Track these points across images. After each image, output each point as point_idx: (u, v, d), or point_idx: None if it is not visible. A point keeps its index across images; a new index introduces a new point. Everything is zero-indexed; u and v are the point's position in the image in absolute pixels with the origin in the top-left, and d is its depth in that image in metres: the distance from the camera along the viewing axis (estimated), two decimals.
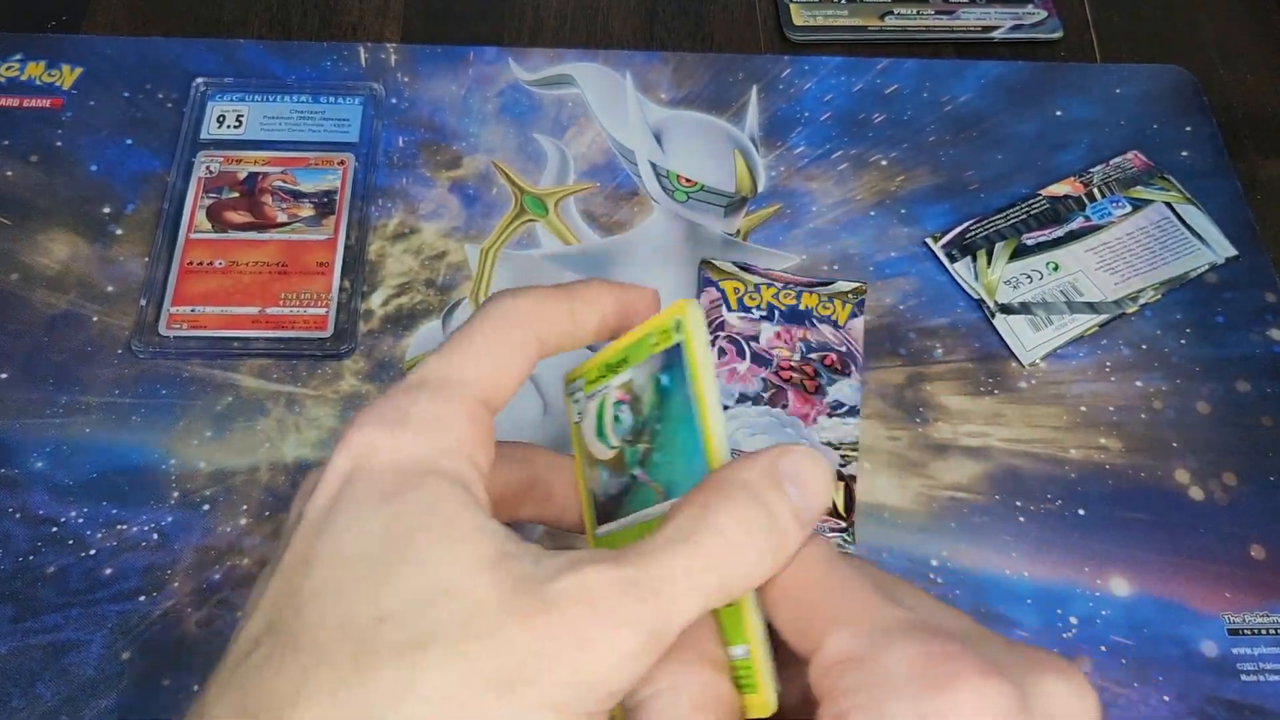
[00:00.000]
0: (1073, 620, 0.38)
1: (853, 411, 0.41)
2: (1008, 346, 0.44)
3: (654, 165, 0.48)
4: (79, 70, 0.48)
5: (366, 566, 0.18)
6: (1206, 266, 0.46)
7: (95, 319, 0.42)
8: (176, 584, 0.37)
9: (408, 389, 0.21)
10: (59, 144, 0.46)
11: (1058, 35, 0.53)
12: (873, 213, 0.47)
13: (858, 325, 0.43)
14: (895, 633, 0.18)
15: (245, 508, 0.38)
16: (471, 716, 0.17)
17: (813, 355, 0.42)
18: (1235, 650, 0.38)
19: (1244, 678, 0.37)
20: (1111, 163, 0.49)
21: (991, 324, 0.44)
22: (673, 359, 0.22)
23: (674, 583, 0.18)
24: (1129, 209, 0.47)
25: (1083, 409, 0.42)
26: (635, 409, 0.23)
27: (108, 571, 0.37)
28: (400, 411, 0.21)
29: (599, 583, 0.18)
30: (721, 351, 0.42)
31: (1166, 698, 0.37)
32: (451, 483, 0.20)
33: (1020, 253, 0.46)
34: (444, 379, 0.22)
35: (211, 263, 0.43)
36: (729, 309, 0.43)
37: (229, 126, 0.47)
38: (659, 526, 0.19)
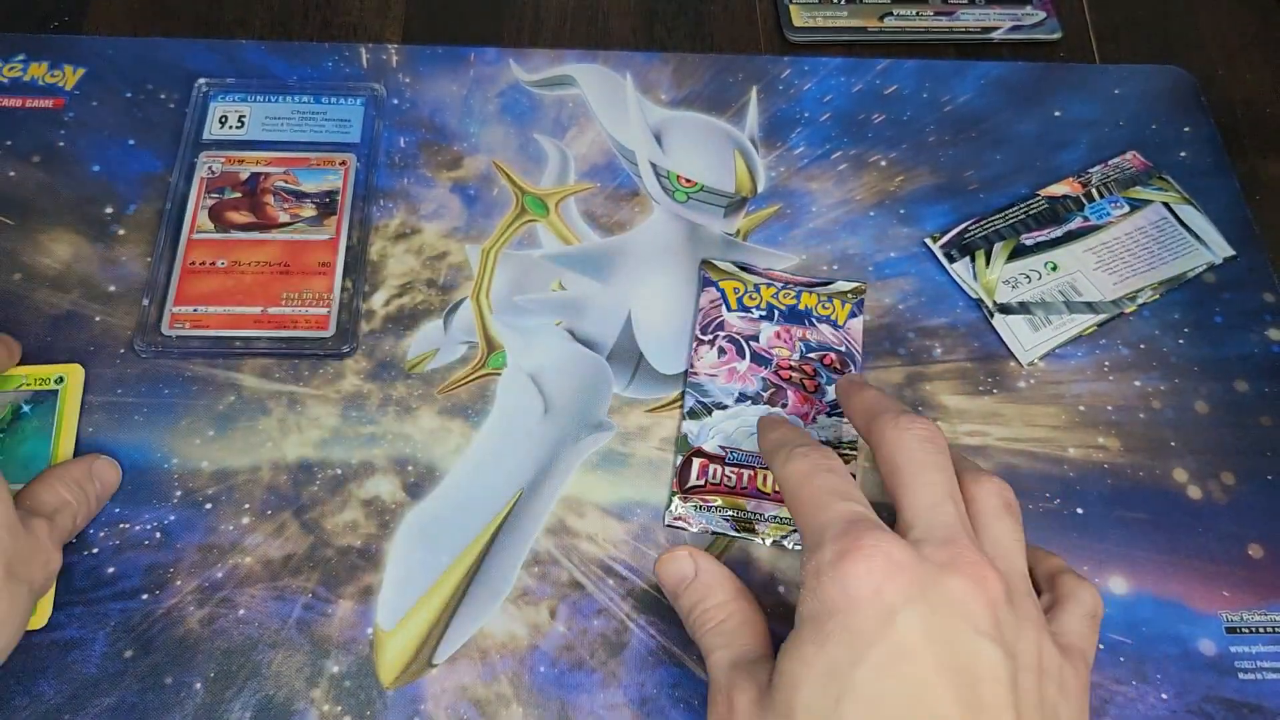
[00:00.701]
0: None
1: None
2: (1006, 346, 0.44)
3: (654, 165, 0.48)
4: (81, 71, 0.48)
5: None
6: (1205, 266, 0.46)
7: (97, 319, 0.42)
8: (179, 583, 0.37)
9: None
10: (61, 144, 0.46)
11: (1057, 36, 0.54)
12: (872, 213, 0.47)
13: (857, 325, 0.44)
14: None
15: (247, 507, 0.39)
16: None
17: (812, 355, 0.43)
18: (1233, 649, 0.38)
19: (1242, 676, 0.37)
20: (1110, 163, 0.49)
21: (990, 324, 0.44)
22: (43, 399, 0.38)
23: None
24: (1127, 209, 0.47)
25: (1081, 408, 0.43)
26: None
27: (110, 570, 0.37)
28: None
29: None
30: (721, 351, 0.42)
31: (1164, 696, 0.37)
32: None
33: (1019, 253, 0.46)
34: None
35: (213, 263, 0.43)
36: (728, 309, 0.43)
37: (231, 127, 0.47)
38: None
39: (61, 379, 0.39)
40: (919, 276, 0.46)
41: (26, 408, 0.38)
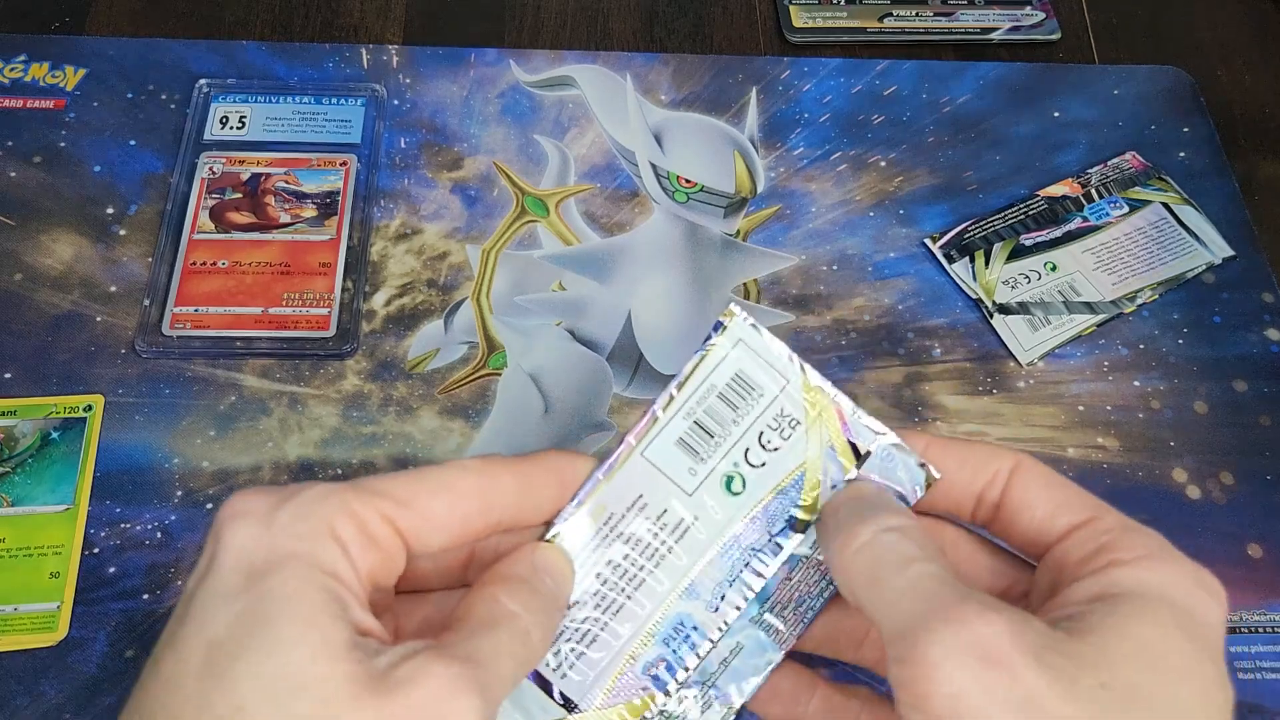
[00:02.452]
0: None
1: None
2: (1006, 346, 0.44)
3: (654, 166, 0.48)
4: (82, 71, 0.48)
5: (223, 653, 0.20)
6: (1204, 267, 0.46)
7: (99, 319, 0.42)
8: (180, 582, 0.37)
9: (308, 484, 0.23)
10: (62, 145, 0.46)
11: (1056, 37, 0.54)
12: (871, 213, 0.47)
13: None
14: (1141, 525, 0.24)
15: None
16: None
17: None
18: (1233, 649, 0.38)
19: (1241, 676, 0.37)
20: (1109, 163, 0.49)
21: (990, 324, 0.44)
22: (71, 425, 0.39)
23: (496, 658, 0.22)
24: (1127, 209, 0.47)
25: (1080, 408, 0.43)
26: (9, 446, 0.39)
27: (111, 570, 0.37)
28: (280, 499, 0.22)
29: (437, 668, 0.21)
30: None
31: None
32: (310, 573, 0.21)
33: (1018, 253, 0.46)
34: (361, 486, 0.23)
35: (215, 263, 0.43)
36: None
37: (232, 127, 0.47)
38: (465, 608, 0.24)
39: (90, 407, 0.40)
40: (918, 277, 0.46)
41: (55, 434, 0.39)
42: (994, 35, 0.53)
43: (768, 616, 0.27)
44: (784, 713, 0.29)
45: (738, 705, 0.27)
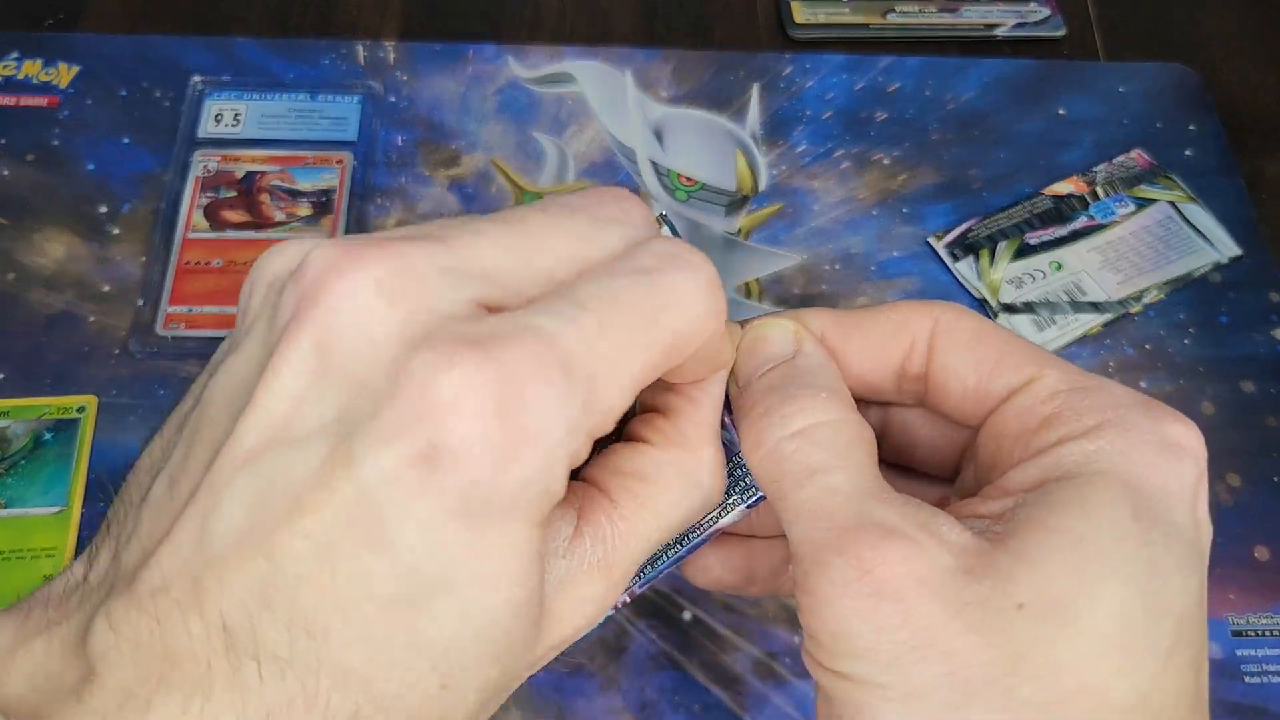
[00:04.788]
0: None
1: None
2: None
3: (654, 164, 0.47)
4: (76, 69, 0.48)
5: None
6: (1210, 266, 0.46)
7: (92, 319, 0.42)
8: None
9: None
10: (56, 143, 0.46)
11: (1061, 33, 0.53)
12: (875, 212, 0.47)
13: None
14: (1094, 376, 0.20)
15: None
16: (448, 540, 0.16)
17: None
18: (1239, 652, 0.38)
19: (1248, 680, 0.37)
20: (1115, 161, 0.48)
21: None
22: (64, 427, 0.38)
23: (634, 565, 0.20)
24: (1133, 208, 0.47)
25: None
26: (1, 447, 0.38)
27: None
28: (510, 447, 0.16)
29: (591, 605, 0.19)
30: None
31: None
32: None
33: (1023, 252, 0.46)
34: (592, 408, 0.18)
35: (209, 262, 0.43)
36: None
37: (226, 125, 0.47)
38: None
39: (83, 408, 0.39)
40: (922, 276, 0.45)
41: (48, 435, 0.39)
42: (998, 31, 0.53)
43: None
44: (763, 589, 0.26)
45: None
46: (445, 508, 0.15)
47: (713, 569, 0.25)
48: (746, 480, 0.22)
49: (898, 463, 0.25)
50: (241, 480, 0.16)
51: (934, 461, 0.24)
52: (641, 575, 0.23)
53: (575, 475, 0.19)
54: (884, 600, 0.18)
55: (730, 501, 0.23)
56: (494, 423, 0.15)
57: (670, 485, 0.20)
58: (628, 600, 0.23)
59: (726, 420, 0.23)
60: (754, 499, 0.22)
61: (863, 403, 0.23)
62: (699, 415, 0.21)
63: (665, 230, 0.23)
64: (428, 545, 0.15)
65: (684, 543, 0.23)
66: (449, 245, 0.17)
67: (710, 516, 0.23)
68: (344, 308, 0.16)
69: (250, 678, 0.15)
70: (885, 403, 0.24)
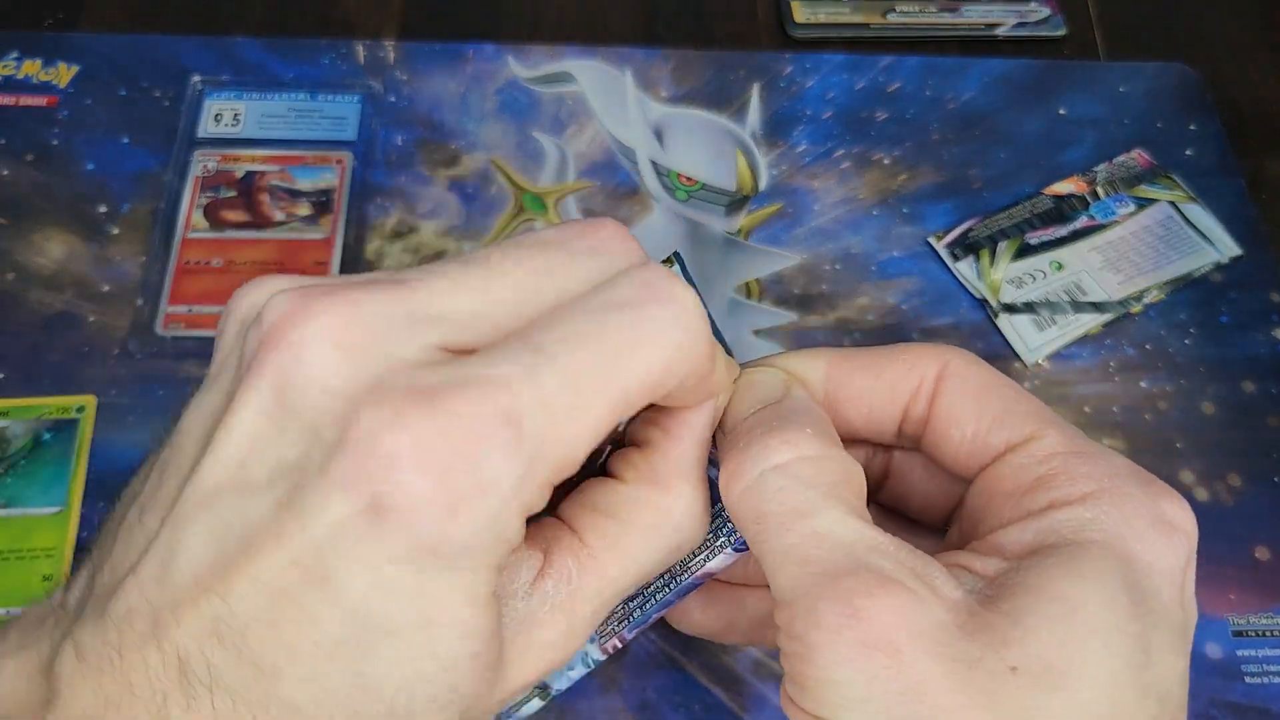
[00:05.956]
0: None
1: None
2: (1011, 347, 0.43)
3: (654, 163, 0.47)
4: (75, 68, 0.48)
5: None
6: (1211, 266, 0.46)
7: (91, 319, 0.42)
8: None
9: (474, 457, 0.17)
10: (55, 143, 0.46)
11: (1062, 33, 0.53)
12: (875, 211, 0.47)
13: None
14: (1093, 442, 0.20)
15: None
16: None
17: None
18: (1239, 652, 0.37)
19: (1248, 680, 0.37)
20: (1116, 161, 0.48)
21: (995, 324, 0.44)
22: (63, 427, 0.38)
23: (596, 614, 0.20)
24: (1133, 208, 0.47)
25: (1087, 409, 0.42)
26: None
27: None
28: (455, 502, 0.16)
29: (551, 653, 0.19)
30: None
31: None
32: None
33: (1024, 252, 0.45)
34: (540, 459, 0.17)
35: (208, 262, 0.43)
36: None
37: (226, 124, 0.47)
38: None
39: (82, 408, 0.39)
40: (922, 276, 0.45)
41: (47, 435, 0.39)
42: (999, 31, 0.53)
43: None
44: (746, 638, 0.25)
45: (551, 692, 0.23)
46: (391, 556, 0.15)
47: (693, 613, 0.25)
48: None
49: (894, 507, 0.25)
50: (202, 520, 0.16)
51: (928, 511, 0.24)
52: (630, 620, 0.22)
53: (551, 511, 0.19)
54: (877, 651, 0.17)
55: (719, 543, 0.21)
56: (440, 477, 0.15)
57: (642, 524, 0.20)
58: (619, 646, 0.22)
59: (715, 455, 0.22)
60: (743, 541, 0.21)
61: (864, 444, 0.23)
62: (676, 450, 0.20)
63: (675, 269, 0.22)
64: (374, 592, 0.16)
65: (671, 586, 0.22)
66: (408, 289, 0.17)
67: (698, 559, 0.22)
68: (300, 357, 0.16)
69: (204, 708, 0.16)
70: (886, 446, 0.24)
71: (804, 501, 0.19)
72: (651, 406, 0.19)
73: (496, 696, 0.18)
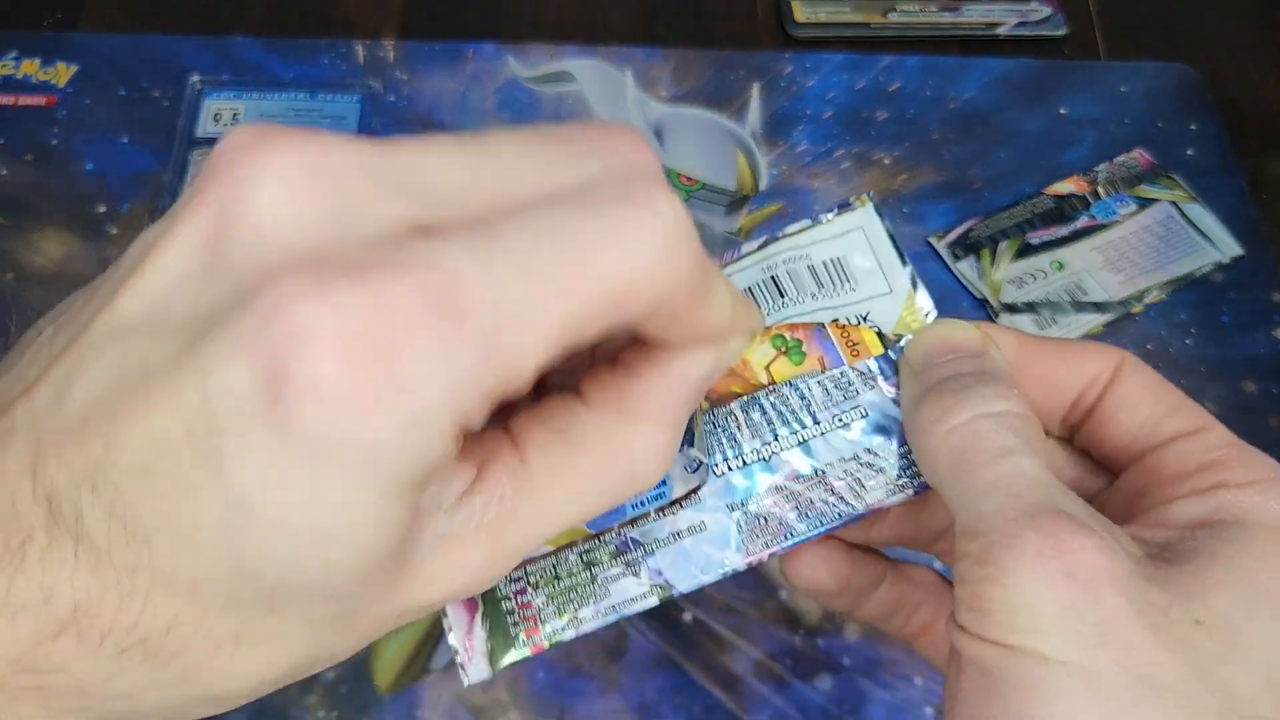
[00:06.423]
0: None
1: None
2: None
3: None
4: (74, 68, 0.48)
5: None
6: (1212, 266, 0.45)
7: None
8: None
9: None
10: (54, 142, 0.46)
11: (1062, 32, 0.53)
12: None
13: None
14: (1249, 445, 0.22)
15: None
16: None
17: None
18: None
19: None
20: (1116, 161, 0.48)
21: (996, 324, 0.44)
22: None
23: (532, 540, 0.18)
24: (1134, 207, 0.47)
25: None
26: None
27: None
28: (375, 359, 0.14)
29: (467, 574, 0.17)
30: None
31: None
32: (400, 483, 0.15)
33: (1025, 251, 0.45)
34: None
35: None
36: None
37: (225, 124, 0.46)
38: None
39: None
40: (923, 276, 0.45)
41: None
42: (1000, 30, 0.53)
43: (754, 506, 0.23)
44: (846, 605, 0.26)
45: (672, 592, 0.22)
46: (288, 448, 0.13)
47: (818, 569, 0.25)
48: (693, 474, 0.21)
49: None
50: (109, 353, 0.15)
51: None
52: (778, 540, 0.22)
53: (503, 420, 0.17)
54: (1077, 583, 0.18)
55: (901, 483, 0.22)
56: (354, 365, 0.13)
57: (595, 453, 0.18)
58: (761, 561, 0.22)
59: (699, 415, 0.21)
60: (925, 484, 0.22)
61: None
62: (660, 385, 0.18)
63: (869, 209, 0.23)
64: (264, 483, 0.14)
65: (839, 512, 0.22)
66: (389, 152, 0.15)
67: (874, 493, 0.22)
68: (245, 195, 0.14)
69: (66, 558, 0.14)
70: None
71: (1015, 443, 0.20)
72: (643, 340, 0.17)
73: (390, 610, 0.17)
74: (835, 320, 0.24)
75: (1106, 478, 0.24)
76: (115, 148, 0.46)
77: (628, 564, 0.22)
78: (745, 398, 0.23)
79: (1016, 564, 0.18)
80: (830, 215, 0.24)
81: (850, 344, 0.24)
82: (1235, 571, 0.19)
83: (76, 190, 0.45)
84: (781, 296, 0.24)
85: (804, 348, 0.24)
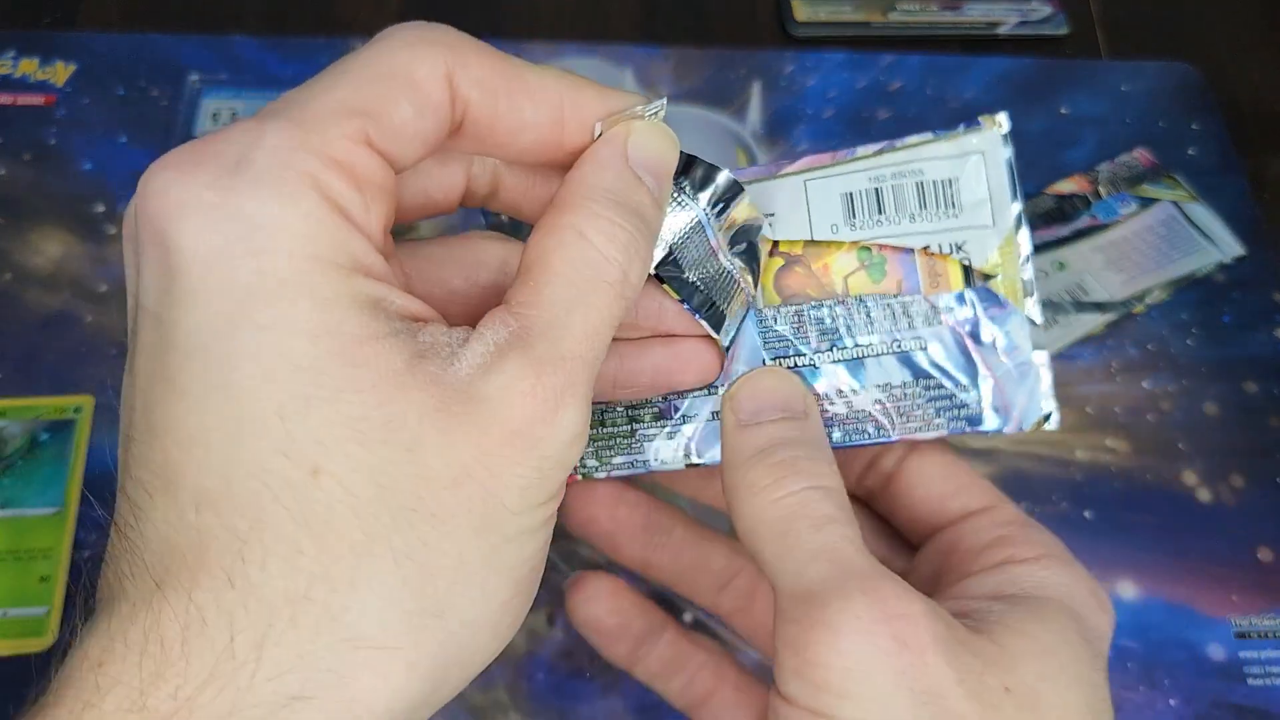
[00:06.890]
0: None
1: None
2: None
3: None
4: (73, 67, 0.48)
5: (254, 395, 0.16)
6: (1214, 266, 0.45)
7: (89, 319, 0.42)
8: None
9: (241, 129, 0.18)
10: (52, 142, 0.46)
11: (1063, 32, 0.53)
12: None
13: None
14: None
15: None
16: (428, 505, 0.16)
17: None
18: (1242, 654, 0.37)
19: (1250, 681, 0.37)
20: (1118, 160, 0.48)
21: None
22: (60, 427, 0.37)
23: (595, 340, 0.19)
24: (1135, 207, 0.47)
25: (1089, 410, 0.42)
26: None
27: None
28: (225, 169, 0.17)
29: (526, 383, 0.17)
30: None
31: (1173, 701, 0.36)
32: (324, 270, 0.17)
33: None
34: (311, 112, 0.18)
35: None
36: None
37: (224, 123, 0.46)
38: (536, 257, 0.19)
39: (79, 409, 0.39)
40: None
41: (45, 436, 0.39)
42: (1001, 29, 0.53)
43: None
44: (626, 654, 0.28)
45: (698, 461, 0.24)
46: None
47: (600, 601, 0.27)
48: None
49: None
50: None
51: None
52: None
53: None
54: (909, 650, 0.19)
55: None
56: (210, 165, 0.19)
57: (554, 254, 0.19)
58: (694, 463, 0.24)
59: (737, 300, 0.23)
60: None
61: None
62: (576, 174, 0.21)
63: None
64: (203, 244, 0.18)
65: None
66: None
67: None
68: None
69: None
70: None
71: (839, 515, 0.21)
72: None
73: (518, 454, 0.18)
74: (925, 247, 0.24)
75: (907, 553, 0.25)
76: (114, 147, 0.46)
77: (665, 428, 0.24)
78: (814, 302, 0.24)
79: (845, 626, 0.19)
80: (954, 132, 0.24)
81: (933, 273, 0.24)
82: (1035, 642, 0.20)
83: (75, 190, 0.45)
84: (880, 213, 0.24)
85: (886, 266, 0.24)
